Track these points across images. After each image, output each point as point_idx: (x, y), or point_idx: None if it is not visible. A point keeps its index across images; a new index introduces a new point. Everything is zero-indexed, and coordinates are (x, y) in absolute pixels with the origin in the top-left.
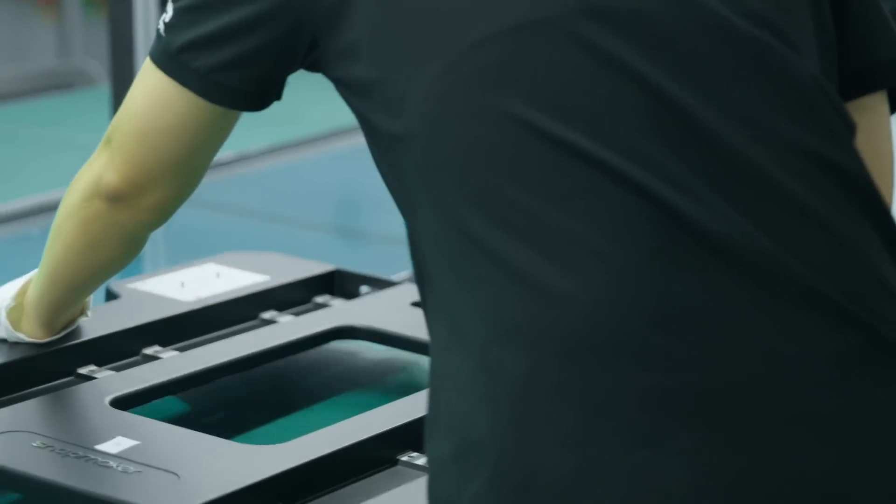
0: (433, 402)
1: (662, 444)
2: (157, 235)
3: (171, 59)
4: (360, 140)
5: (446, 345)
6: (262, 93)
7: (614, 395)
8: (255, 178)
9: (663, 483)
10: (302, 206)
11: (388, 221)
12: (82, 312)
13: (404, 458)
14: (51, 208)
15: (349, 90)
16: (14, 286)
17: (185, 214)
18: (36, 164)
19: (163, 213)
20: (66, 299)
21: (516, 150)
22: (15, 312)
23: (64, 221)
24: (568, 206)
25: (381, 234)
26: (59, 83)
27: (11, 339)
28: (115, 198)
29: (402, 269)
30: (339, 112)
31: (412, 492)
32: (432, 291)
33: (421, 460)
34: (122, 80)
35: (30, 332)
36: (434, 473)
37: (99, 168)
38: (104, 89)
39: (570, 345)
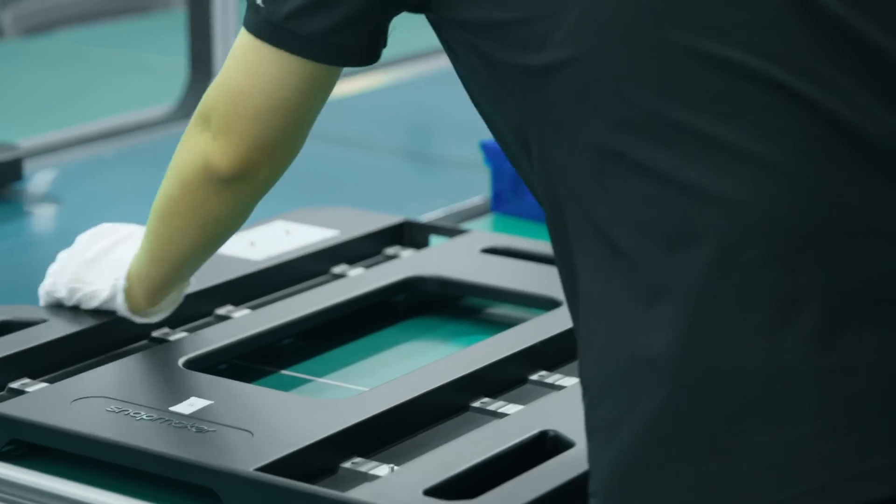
0: (587, 329)
1: (847, 345)
2: None
3: (277, 30)
4: (433, 66)
5: (600, 271)
6: (375, 45)
7: (795, 300)
8: (330, 104)
9: (851, 384)
10: (375, 131)
11: (461, 147)
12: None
13: (476, 404)
14: (125, 131)
15: (469, 31)
16: (122, 257)
17: None
18: (111, 86)
19: (276, 179)
20: (175, 275)
21: (676, 71)
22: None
23: (171, 205)
24: (733, 122)
25: (453, 160)
26: (134, 6)
27: (123, 313)
28: (229, 180)
29: (474, 193)
30: (412, 37)
31: (485, 437)
32: (578, 220)
33: (493, 406)
34: (198, 3)
35: (133, 306)
36: (594, 399)
37: (203, 152)
38: (179, 13)
39: (747, 253)
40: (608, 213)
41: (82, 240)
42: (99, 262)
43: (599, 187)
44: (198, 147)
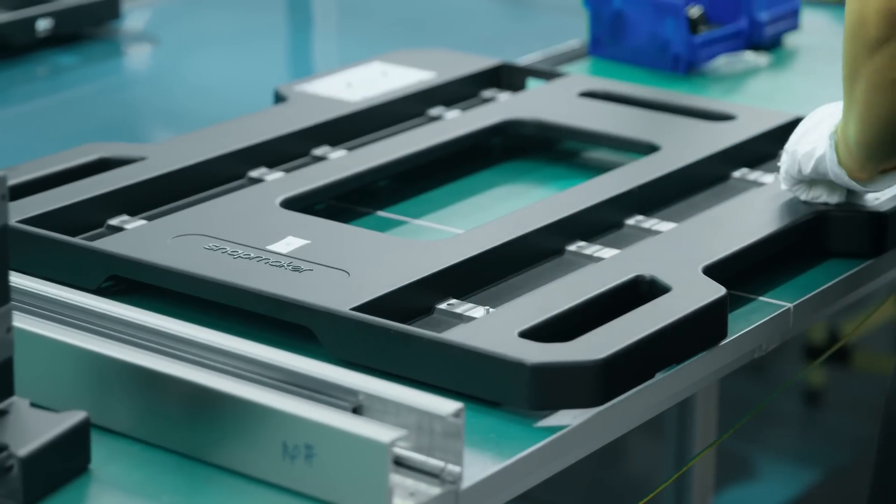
0: None
1: None
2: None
3: None
4: None
5: None
6: None
7: None
8: None
9: None
10: None
11: None
12: None
13: (571, 247)
14: None
15: None
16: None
17: None
18: None
19: None
20: (883, 142)
21: None
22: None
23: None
24: None
25: (552, 2)
26: None
27: (836, 178)
28: None
29: (572, 36)
30: None
31: (581, 280)
32: None
33: (588, 250)
34: None
35: (846, 166)
36: None
37: None
38: None
39: None
40: None
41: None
42: (818, 126)
43: None
44: None
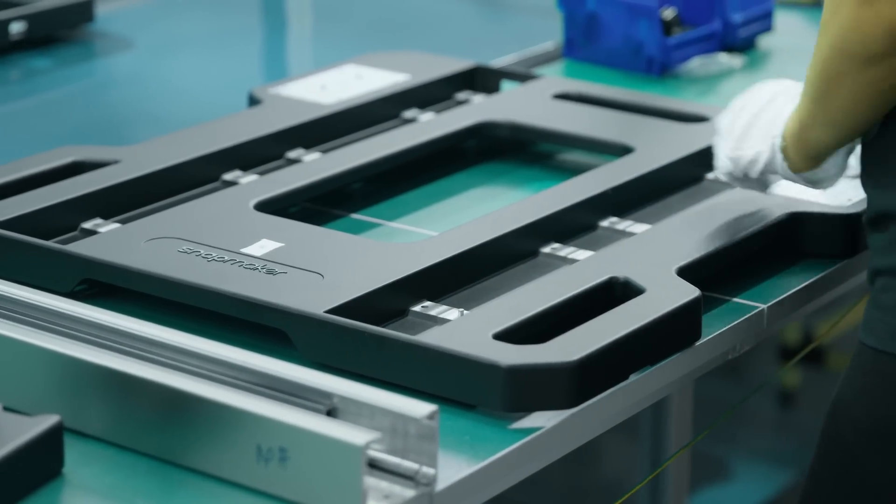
0: None
1: None
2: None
3: None
4: None
5: None
6: None
7: None
8: None
9: None
10: None
11: None
12: None
13: (546, 249)
14: None
15: None
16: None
17: None
18: None
19: None
20: (838, 143)
21: None
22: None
23: (836, 77)
24: None
25: (526, 4)
26: None
27: (784, 174)
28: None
29: (546, 38)
30: None
31: (555, 282)
32: None
33: (563, 251)
34: None
35: (794, 167)
36: None
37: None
38: None
39: None
40: None
41: (736, 102)
42: (755, 124)
43: None
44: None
